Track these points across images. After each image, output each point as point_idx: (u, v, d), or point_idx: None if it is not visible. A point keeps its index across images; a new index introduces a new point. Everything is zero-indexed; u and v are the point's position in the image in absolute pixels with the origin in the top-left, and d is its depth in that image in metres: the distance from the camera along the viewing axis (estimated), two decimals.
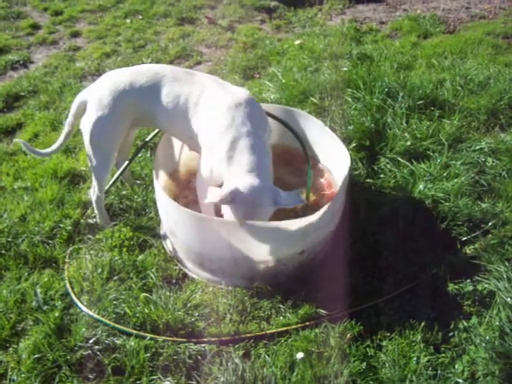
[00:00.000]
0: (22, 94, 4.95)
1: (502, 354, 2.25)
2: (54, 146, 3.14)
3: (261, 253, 2.64)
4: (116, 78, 2.86)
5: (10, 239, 3.09)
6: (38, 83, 5.12)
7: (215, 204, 2.56)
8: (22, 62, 5.70)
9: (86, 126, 2.85)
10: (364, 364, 2.34)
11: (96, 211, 3.17)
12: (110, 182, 3.33)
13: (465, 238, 2.91)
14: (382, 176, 3.38)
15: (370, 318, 2.57)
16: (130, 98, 2.81)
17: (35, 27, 6.62)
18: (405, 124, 3.73)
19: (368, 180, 3.36)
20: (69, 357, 2.42)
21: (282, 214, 2.74)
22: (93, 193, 3.10)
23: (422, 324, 2.47)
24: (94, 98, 2.84)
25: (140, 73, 2.86)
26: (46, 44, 6.19)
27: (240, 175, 2.50)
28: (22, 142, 3.19)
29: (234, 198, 2.42)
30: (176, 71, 2.86)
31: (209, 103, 2.71)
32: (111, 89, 2.81)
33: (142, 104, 2.83)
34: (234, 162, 2.54)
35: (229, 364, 2.35)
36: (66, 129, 3.07)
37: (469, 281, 2.67)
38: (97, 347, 2.44)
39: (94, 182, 3.03)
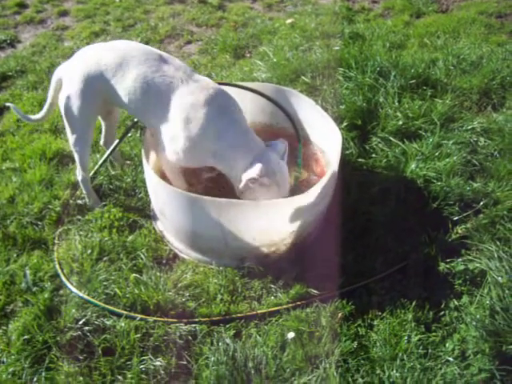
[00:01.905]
0: (10, 73, 4.86)
1: (492, 333, 2.26)
2: (41, 113, 3.13)
3: (251, 232, 2.63)
4: (87, 55, 2.82)
5: None
6: (26, 63, 5.03)
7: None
8: (9, 42, 5.57)
9: (61, 102, 2.86)
10: (355, 343, 2.35)
11: (84, 192, 3.14)
12: (99, 163, 3.30)
13: (456, 218, 2.91)
14: (373, 155, 3.36)
15: (361, 297, 2.58)
16: (96, 75, 2.75)
17: (22, 6, 6.47)
18: (397, 103, 3.70)
19: (359, 159, 3.34)
20: (58, 338, 2.40)
21: None
22: (78, 173, 3.07)
23: (414, 303, 2.47)
24: (67, 74, 2.83)
25: (110, 50, 2.78)
26: (33, 23, 6.06)
27: None
28: (12, 107, 3.16)
29: None
30: (149, 54, 2.72)
31: (177, 100, 2.64)
32: (81, 65, 2.77)
33: (105, 82, 2.76)
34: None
35: (220, 344, 2.35)
36: (48, 100, 3.05)
37: (460, 260, 2.67)
38: (87, 328, 2.43)
39: (77, 161, 3.00)
